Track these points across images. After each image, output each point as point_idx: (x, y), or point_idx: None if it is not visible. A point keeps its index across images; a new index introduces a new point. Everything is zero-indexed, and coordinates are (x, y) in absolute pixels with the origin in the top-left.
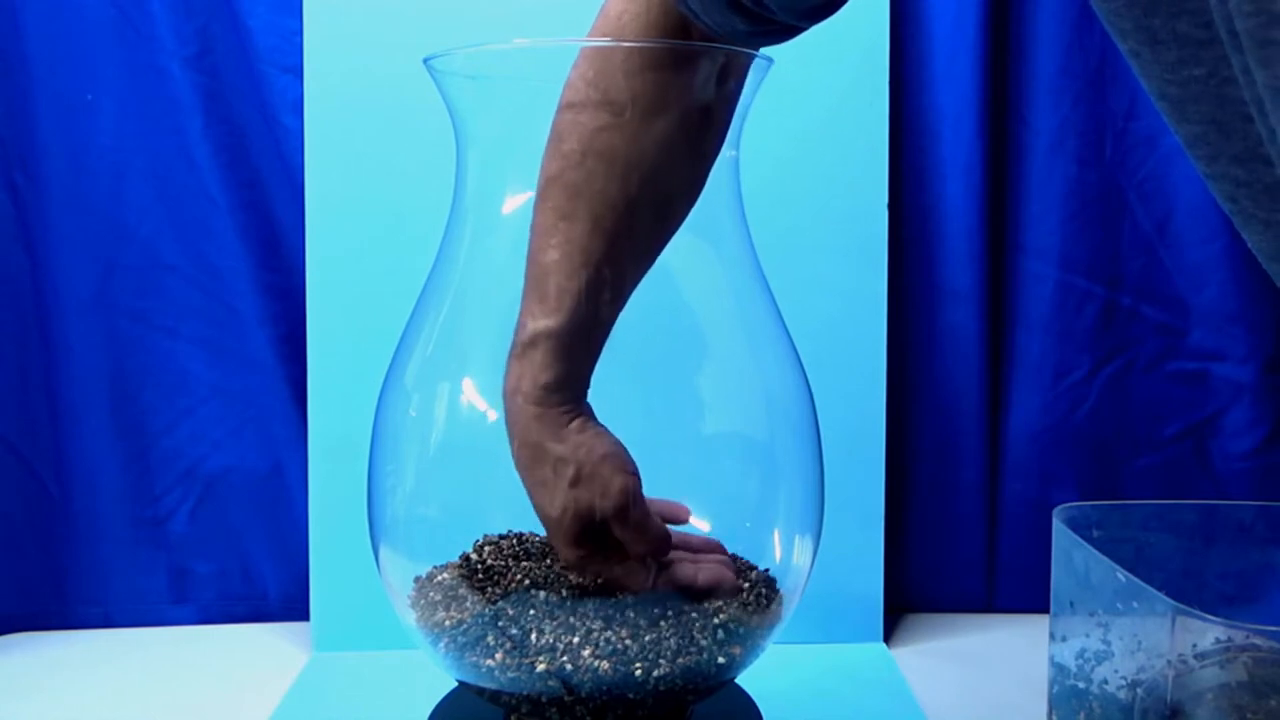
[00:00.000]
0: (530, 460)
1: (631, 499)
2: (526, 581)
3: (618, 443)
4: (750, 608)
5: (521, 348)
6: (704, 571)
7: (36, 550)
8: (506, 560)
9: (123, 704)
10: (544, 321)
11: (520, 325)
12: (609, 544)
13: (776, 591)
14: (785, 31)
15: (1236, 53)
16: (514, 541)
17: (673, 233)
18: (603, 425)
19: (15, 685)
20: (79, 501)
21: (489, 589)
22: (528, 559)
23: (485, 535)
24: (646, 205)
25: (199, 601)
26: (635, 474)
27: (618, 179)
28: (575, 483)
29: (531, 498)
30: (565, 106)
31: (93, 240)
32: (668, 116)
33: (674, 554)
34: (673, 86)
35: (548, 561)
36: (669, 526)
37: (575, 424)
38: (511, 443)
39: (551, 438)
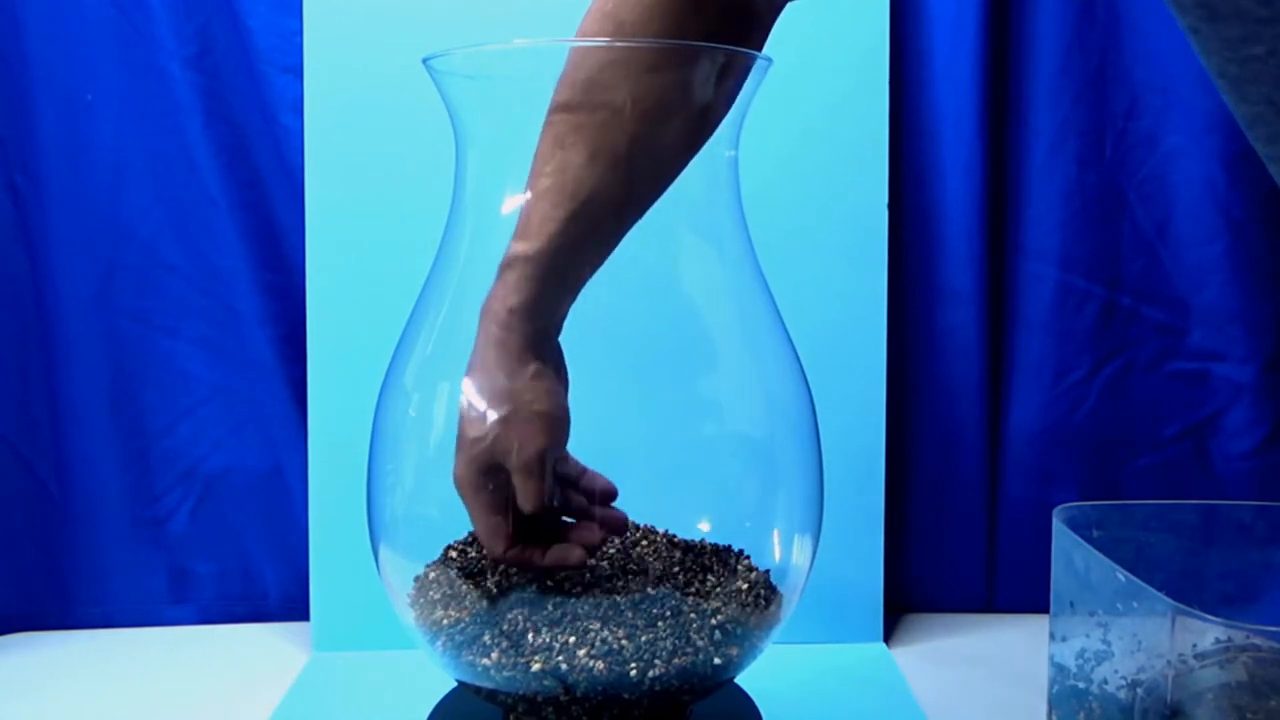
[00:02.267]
0: (478, 380)
1: (541, 462)
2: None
3: (562, 404)
4: (748, 608)
5: (500, 269)
6: (552, 552)
7: (36, 550)
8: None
9: (123, 704)
10: (522, 245)
11: (506, 250)
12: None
13: (775, 593)
14: None
15: None
16: None
17: (664, 187)
18: (559, 377)
19: (15, 685)
20: (79, 501)
21: (482, 584)
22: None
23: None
24: (646, 146)
25: (199, 601)
26: (560, 440)
27: (620, 115)
28: (505, 419)
29: (461, 412)
30: (579, 35)
31: (93, 240)
32: (679, 64)
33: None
34: (687, 28)
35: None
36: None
37: (533, 367)
38: (470, 359)
39: (505, 368)
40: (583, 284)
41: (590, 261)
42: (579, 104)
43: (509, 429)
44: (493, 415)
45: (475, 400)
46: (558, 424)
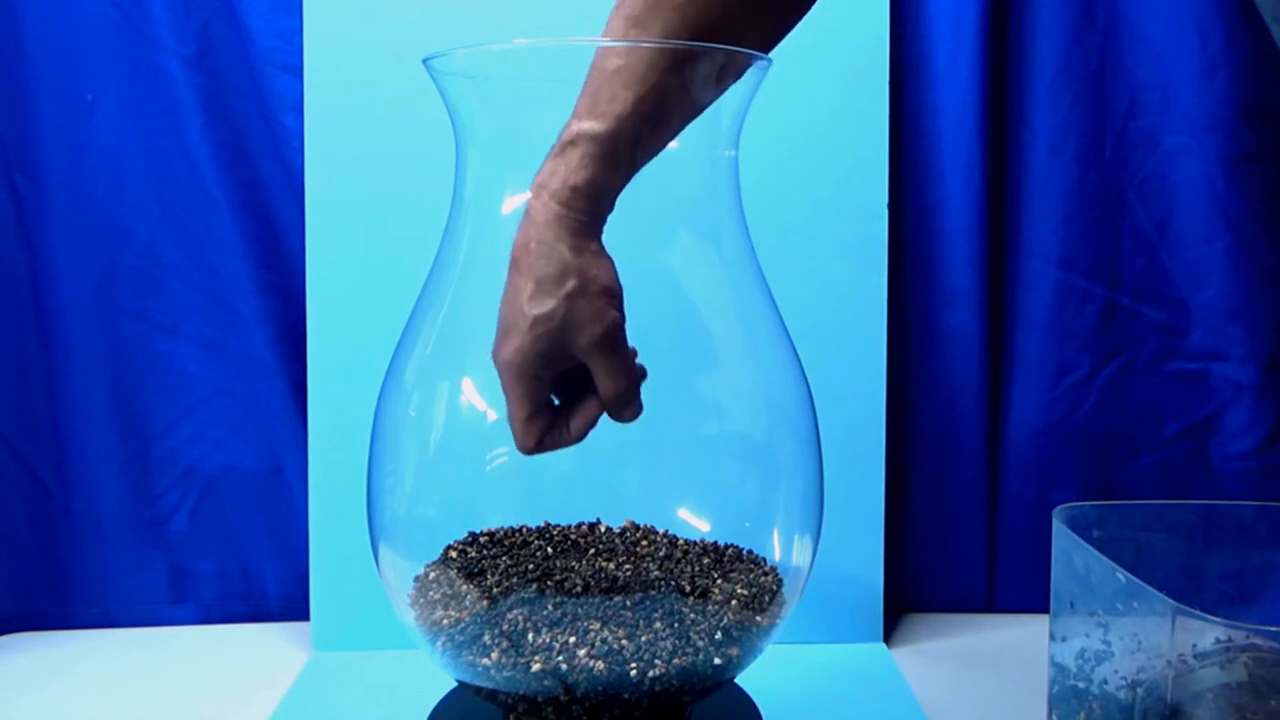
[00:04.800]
0: (537, 256)
1: (620, 336)
2: (513, 577)
3: (620, 285)
4: (748, 609)
5: (560, 146)
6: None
7: (36, 550)
8: (491, 554)
9: (123, 704)
10: (589, 123)
11: (565, 127)
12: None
13: (775, 593)
14: None
15: None
16: (499, 536)
17: (732, 79)
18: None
19: (15, 685)
20: (79, 501)
21: (482, 584)
22: (507, 554)
23: (470, 531)
24: (719, 31)
25: (199, 601)
26: (623, 319)
27: (696, 1)
28: (573, 295)
29: (513, 293)
30: None
31: (93, 240)
32: None
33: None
34: None
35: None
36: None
37: (595, 245)
38: (518, 236)
39: (567, 243)
40: (636, 170)
41: (650, 148)
42: None
43: (578, 305)
44: (560, 291)
45: (538, 277)
46: (622, 299)
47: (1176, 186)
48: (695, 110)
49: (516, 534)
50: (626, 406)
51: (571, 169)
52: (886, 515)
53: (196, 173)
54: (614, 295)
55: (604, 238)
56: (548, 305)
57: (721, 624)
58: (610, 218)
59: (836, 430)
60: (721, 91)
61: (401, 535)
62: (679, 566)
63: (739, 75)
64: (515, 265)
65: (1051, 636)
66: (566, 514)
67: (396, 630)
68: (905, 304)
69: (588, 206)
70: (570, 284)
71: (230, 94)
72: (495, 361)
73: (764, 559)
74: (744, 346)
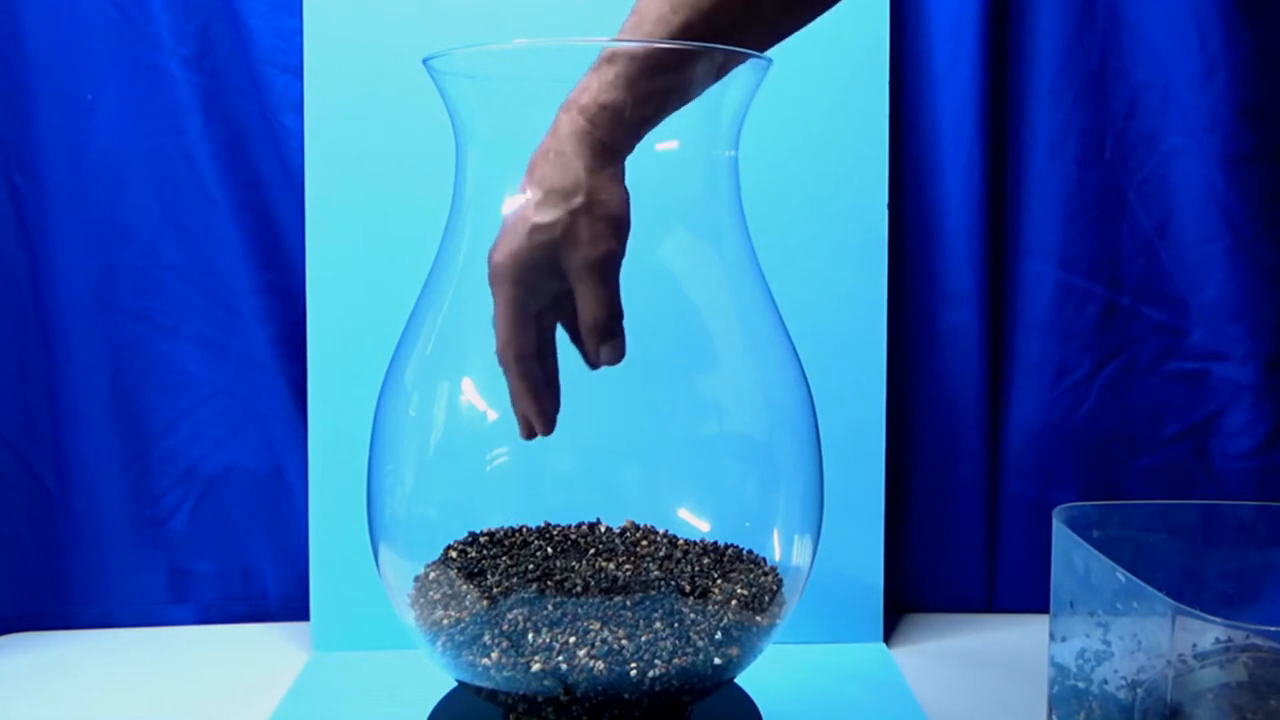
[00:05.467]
0: (553, 165)
1: (612, 268)
2: (513, 577)
3: (628, 219)
4: (748, 609)
5: (599, 62)
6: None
7: (36, 550)
8: (491, 554)
9: (123, 704)
10: None
11: (605, 49)
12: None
13: (776, 593)
14: None
15: None
16: (499, 536)
17: (782, 29)
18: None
19: (15, 685)
20: (79, 501)
21: (482, 584)
22: (507, 554)
23: (470, 531)
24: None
25: (199, 601)
26: (623, 254)
27: None
28: (578, 212)
29: (521, 198)
30: None
31: (93, 240)
32: None
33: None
34: None
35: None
36: None
37: (612, 170)
38: (540, 145)
39: (585, 160)
40: (664, 115)
41: (683, 88)
42: None
43: (580, 222)
44: (566, 205)
45: (549, 183)
46: (627, 233)
47: (1176, 186)
48: (750, 42)
49: (516, 534)
50: (605, 340)
51: (604, 86)
52: (886, 515)
53: (196, 173)
54: (619, 225)
55: None
56: (550, 216)
57: (721, 624)
58: None
59: (836, 430)
60: (773, 35)
61: (401, 535)
62: (679, 566)
63: (802, 20)
64: (530, 171)
65: (1051, 636)
66: (566, 514)
67: (396, 630)
68: (905, 304)
69: (613, 129)
70: (578, 200)
71: (230, 94)
72: (489, 261)
73: (764, 559)
74: (744, 346)
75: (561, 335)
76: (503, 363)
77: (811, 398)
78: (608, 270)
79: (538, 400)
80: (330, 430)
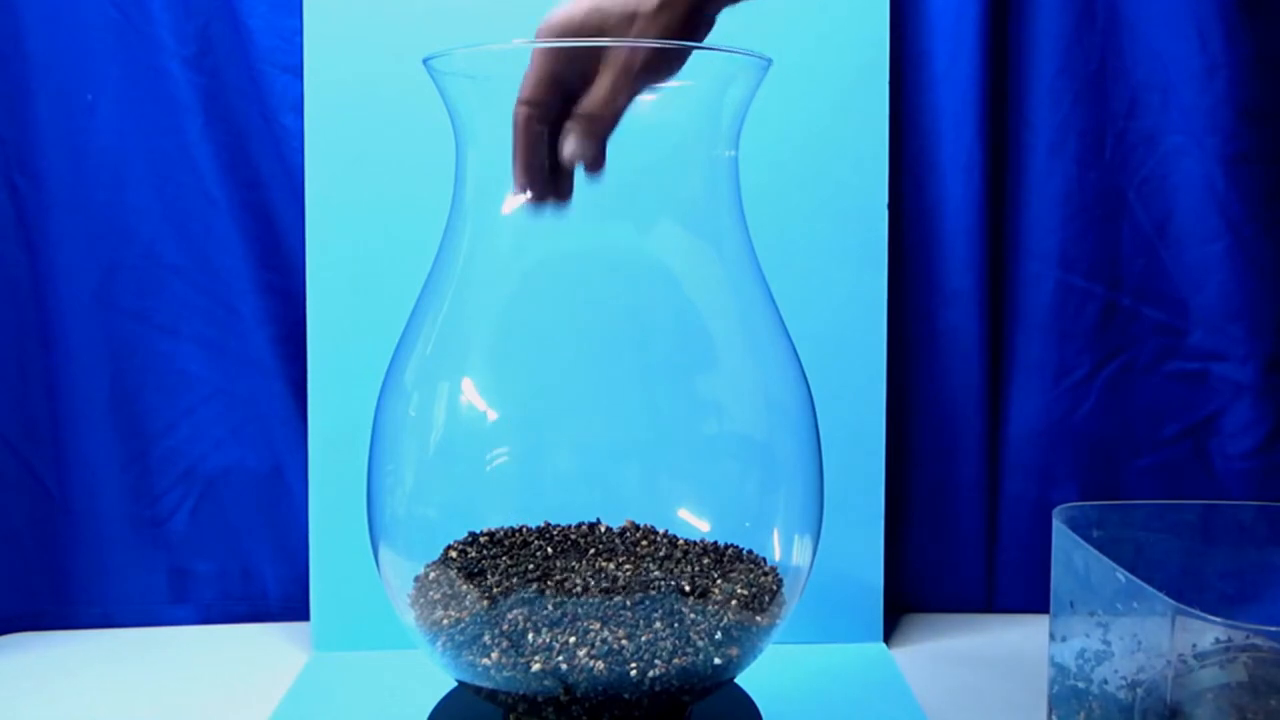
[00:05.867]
0: None
1: (645, 77)
2: (513, 577)
3: (678, 67)
4: (748, 609)
5: None
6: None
7: (36, 550)
8: (491, 554)
9: (123, 704)
10: None
11: None
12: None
13: (776, 593)
14: None
15: None
16: (499, 536)
17: None
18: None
19: (15, 685)
20: (79, 501)
21: (482, 584)
22: (508, 554)
23: (470, 531)
24: None
25: (199, 601)
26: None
27: None
28: (638, 15)
29: None
30: None
31: (93, 240)
32: None
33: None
34: None
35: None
36: None
37: (680, 30)
38: None
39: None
40: None
41: None
42: None
43: (639, 23)
44: (636, 4)
45: None
46: (667, 72)
47: (1176, 187)
48: None
49: (516, 534)
50: (589, 134)
51: None
52: (886, 515)
53: (196, 173)
54: (665, 54)
55: (600, 233)
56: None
57: (721, 624)
58: (610, 217)
59: (836, 430)
60: None
61: (401, 535)
62: (679, 566)
63: None
64: None
65: (1051, 636)
66: (566, 514)
67: (396, 630)
68: (905, 304)
69: None
70: (648, 5)
71: (230, 94)
72: (540, 27)
73: (764, 559)
74: (744, 346)
75: (561, 346)
76: (517, 113)
77: (811, 398)
78: (636, 77)
79: (529, 153)
80: (330, 430)
